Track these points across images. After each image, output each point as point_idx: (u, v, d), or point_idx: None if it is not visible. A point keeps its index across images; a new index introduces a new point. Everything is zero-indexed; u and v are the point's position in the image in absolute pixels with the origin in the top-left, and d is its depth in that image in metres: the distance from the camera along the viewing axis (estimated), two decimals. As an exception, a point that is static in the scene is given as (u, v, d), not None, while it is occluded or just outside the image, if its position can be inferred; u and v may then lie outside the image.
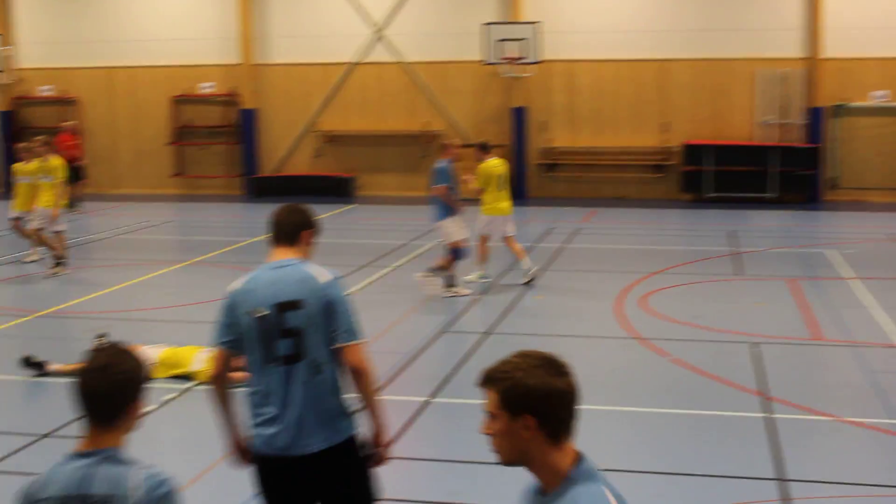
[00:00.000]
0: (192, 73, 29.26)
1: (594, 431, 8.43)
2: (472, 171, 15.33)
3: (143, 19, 29.30)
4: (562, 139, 27.72)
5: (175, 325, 12.77)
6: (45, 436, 8.64)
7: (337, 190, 27.89)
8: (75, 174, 25.84)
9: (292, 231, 5.26)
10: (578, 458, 3.18)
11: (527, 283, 14.91)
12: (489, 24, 26.49)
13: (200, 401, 9.73)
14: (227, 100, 29.37)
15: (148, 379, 3.74)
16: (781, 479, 7.54)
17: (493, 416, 3.17)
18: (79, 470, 3.55)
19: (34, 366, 10.40)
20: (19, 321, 13.19)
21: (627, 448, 8.49)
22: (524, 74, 27.05)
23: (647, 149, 27.31)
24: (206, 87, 29.34)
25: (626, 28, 26.81)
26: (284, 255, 5.22)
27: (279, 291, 5.04)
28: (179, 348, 10.18)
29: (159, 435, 8.61)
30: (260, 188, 28.68)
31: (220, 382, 5.26)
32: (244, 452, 5.27)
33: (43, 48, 29.96)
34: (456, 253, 14.43)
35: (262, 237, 20.62)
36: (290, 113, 29.06)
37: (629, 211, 24.83)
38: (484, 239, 15.23)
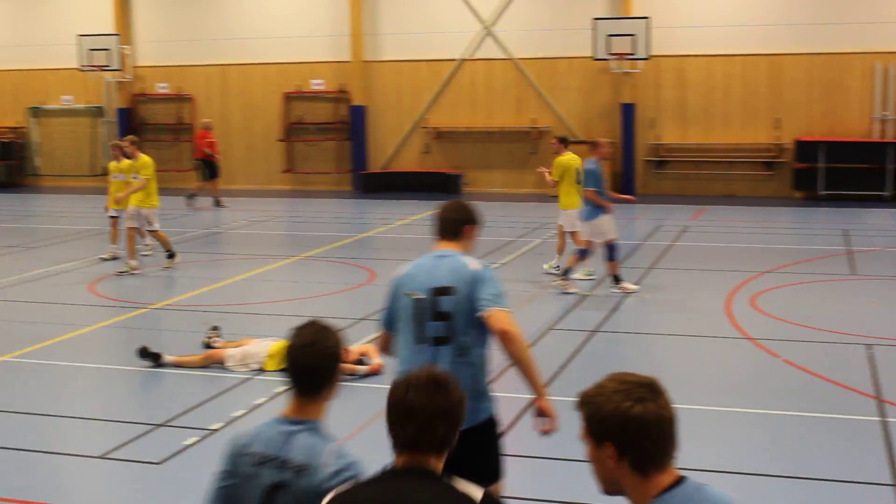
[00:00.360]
0: (302, 70, 29.71)
1: (704, 431, 8.37)
2: (550, 165, 15.60)
3: (256, 17, 29.85)
4: (671, 136, 27.43)
5: (286, 320, 12.91)
6: (161, 425, 8.85)
7: (445, 186, 27.98)
8: (211, 171, 26.45)
9: (455, 226, 5.70)
10: (667, 488, 2.93)
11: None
12: (599, 19, 26.34)
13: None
14: (338, 96, 29.73)
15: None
16: (897, 485, 7.37)
17: (585, 442, 3.03)
18: (282, 434, 3.81)
19: (150, 357, 10.68)
20: (134, 314, 13.54)
21: (738, 449, 8.38)
22: (633, 70, 26.85)
23: (758, 145, 26.85)
24: (317, 84, 29.75)
25: (737, 22, 26.39)
26: (446, 248, 5.63)
27: (434, 278, 5.44)
28: (290, 342, 10.31)
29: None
30: (369, 184, 28.99)
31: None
32: None
33: (159, 47, 30.76)
34: (611, 250, 14.43)
35: (371, 232, 20.84)
36: (399, 109, 29.29)
37: (739, 209, 24.44)
38: (576, 235, 15.11)
